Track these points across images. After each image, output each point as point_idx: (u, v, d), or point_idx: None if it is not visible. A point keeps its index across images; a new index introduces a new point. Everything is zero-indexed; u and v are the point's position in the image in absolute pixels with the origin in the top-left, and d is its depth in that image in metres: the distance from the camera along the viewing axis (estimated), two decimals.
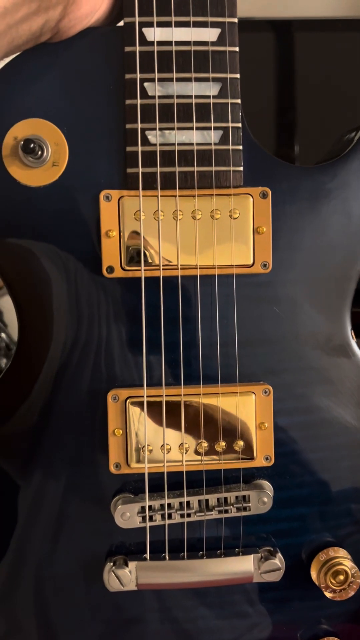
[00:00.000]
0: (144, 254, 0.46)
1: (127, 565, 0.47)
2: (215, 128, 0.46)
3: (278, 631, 0.51)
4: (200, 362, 0.47)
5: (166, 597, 0.50)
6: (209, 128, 0.46)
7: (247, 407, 0.47)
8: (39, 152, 0.45)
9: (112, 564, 0.47)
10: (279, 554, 0.48)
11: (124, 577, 0.47)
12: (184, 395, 0.47)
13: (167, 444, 0.47)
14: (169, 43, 0.45)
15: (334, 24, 0.84)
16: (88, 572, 0.49)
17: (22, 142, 0.44)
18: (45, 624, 0.50)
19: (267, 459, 0.48)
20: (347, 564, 0.48)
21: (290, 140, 0.82)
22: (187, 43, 0.45)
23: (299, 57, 0.83)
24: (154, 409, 0.47)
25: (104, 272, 0.46)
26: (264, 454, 0.48)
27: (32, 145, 0.44)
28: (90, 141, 0.46)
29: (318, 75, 0.83)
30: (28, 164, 0.45)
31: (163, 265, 0.46)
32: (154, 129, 0.45)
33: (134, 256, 0.46)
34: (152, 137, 0.45)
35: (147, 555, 0.48)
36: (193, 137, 0.45)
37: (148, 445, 0.47)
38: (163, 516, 0.47)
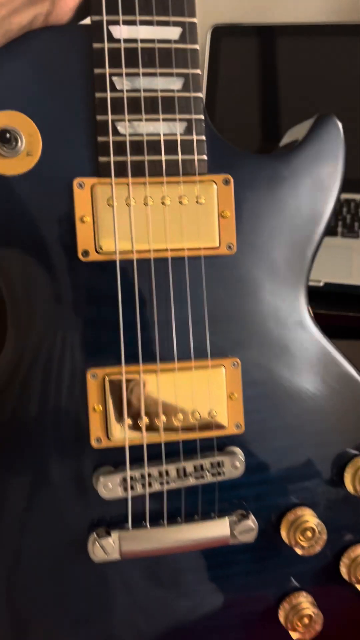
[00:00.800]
0: (117, 237, 0.49)
1: (110, 535, 0.49)
2: (180, 120, 0.49)
3: (252, 590, 0.54)
4: (174, 340, 0.50)
5: (143, 566, 0.52)
6: (174, 120, 0.49)
7: (218, 379, 0.51)
8: (14, 143, 0.47)
9: (95, 534, 0.49)
10: (252, 516, 0.52)
11: (108, 546, 0.49)
12: (160, 370, 0.50)
13: (145, 417, 0.50)
14: (135, 40, 0.48)
15: (317, 29, 0.95)
16: (72, 548, 0.51)
17: None
18: (31, 602, 0.51)
19: (237, 426, 0.51)
20: (313, 520, 0.52)
21: (276, 135, 0.90)
22: (152, 41, 0.48)
23: (283, 60, 0.93)
24: (131, 385, 0.49)
25: (80, 256, 0.48)
26: (234, 422, 0.51)
27: (7, 136, 0.46)
28: (63, 132, 0.48)
29: (302, 76, 0.94)
30: (3, 153, 0.47)
31: (136, 249, 0.49)
32: (123, 120, 0.48)
33: (108, 240, 0.49)
34: (121, 128, 0.48)
35: (129, 525, 0.50)
36: (160, 128, 0.49)
37: (127, 419, 0.49)
38: (143, 485, 0.49)
